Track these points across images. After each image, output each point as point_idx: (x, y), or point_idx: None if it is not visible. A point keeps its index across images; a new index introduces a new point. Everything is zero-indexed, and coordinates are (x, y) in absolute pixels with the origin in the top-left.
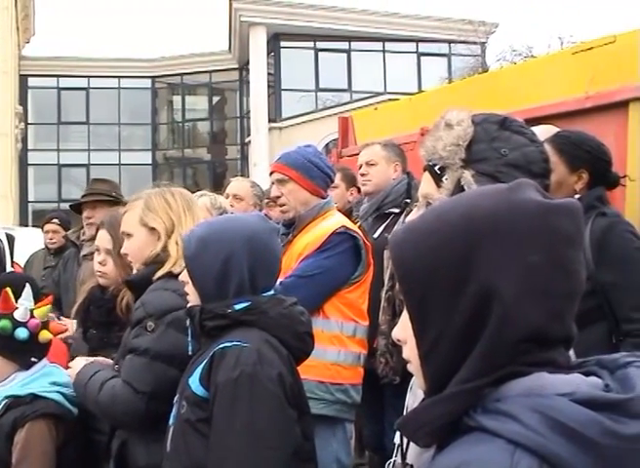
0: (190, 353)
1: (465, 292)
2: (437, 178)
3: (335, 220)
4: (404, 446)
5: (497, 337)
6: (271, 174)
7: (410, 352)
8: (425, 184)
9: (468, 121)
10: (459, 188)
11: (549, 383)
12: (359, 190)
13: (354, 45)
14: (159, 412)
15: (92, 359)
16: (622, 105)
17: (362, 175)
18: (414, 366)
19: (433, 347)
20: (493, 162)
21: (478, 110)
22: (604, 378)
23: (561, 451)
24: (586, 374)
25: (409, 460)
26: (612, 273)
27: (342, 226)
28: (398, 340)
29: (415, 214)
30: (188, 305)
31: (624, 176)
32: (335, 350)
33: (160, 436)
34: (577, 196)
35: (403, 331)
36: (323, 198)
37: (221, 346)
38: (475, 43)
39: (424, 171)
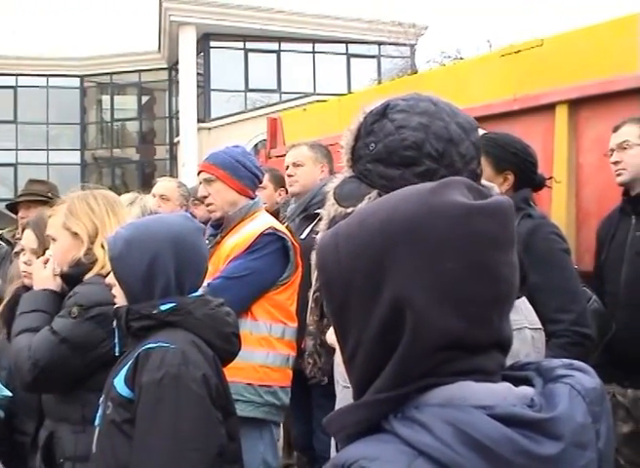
0: (117, 354)
1: (379, 300)
2: None
3: (263, 221)
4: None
5: (411, 347)
6: (199, 173)
7: (339, 356)
8: None
9: (361, 117)
10: None
11: (471, 394)
12: (287, 191)
13: (284, 46)
14: (45, 390)
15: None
16: (549, 108)
17: (289, 175)
18: (343, 369)
19: (353, 354)
20: (363, 160)
21: None
22: (536, 387)
23: (469, 467)
24: (522, 379)
25: None
26: (537, 274)
27: (271, 227)
28: (331, 344)
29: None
30: (115, 307)
31: (550, 178)
32: (263, 352)
33: (87, 427)
34: None
35: (333, 335)
36: (251, 198)
37: (146, 347)
38: (405, 45)
39: None
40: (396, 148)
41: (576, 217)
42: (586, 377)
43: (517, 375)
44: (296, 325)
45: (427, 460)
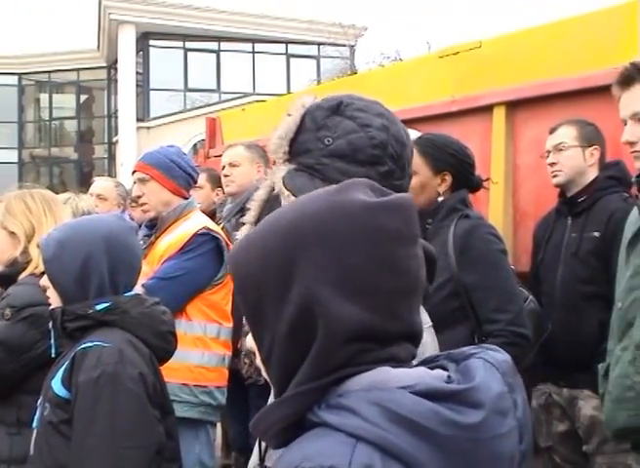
0: (53, 355)
1: (289, 298)
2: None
3: (197, 221)
4: (262, 447)
5: (325, 340)
6: (133, 173)
7: (258, 358)
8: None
9: (302, 109)
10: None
11: (391, 377)
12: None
13: (224, 45)
14: None
15: None
16: (487, 109)
17: (225, 175)
18: (263, 372)
19: (270, 353)
20: (314, 153)
21: None
22: (450, 370)
23: (401, 443)
24: (434, 368)
25: (268, 462)
26: (474, 274)
27: (204, 227)
28: (251, 347)
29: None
30: (50, 308)
31: (488, 179)
32: (198, 352)
33: (23, 429)
34: (440, 198)
35: (252, 339)
36: (185, 198)
37: (83, 347)
38: (344, 45)
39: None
40: (363, 146)
41: (513, 218)
42: (497, 353)
43: (430, 366)
44: (231, 325)
45: (365, 444)
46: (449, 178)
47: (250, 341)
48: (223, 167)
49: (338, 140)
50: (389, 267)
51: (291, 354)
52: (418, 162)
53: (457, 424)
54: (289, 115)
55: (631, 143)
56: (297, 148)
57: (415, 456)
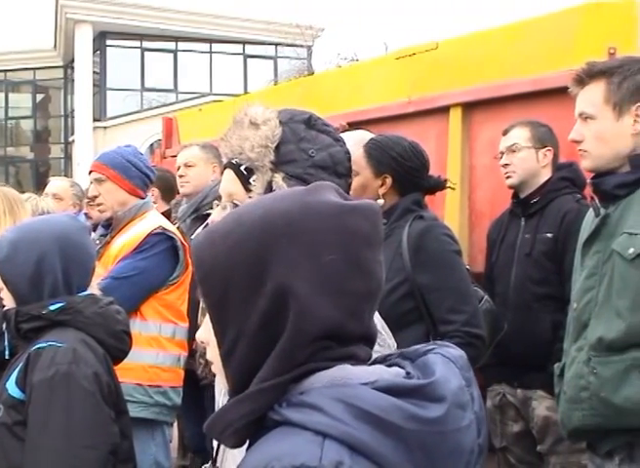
0: (7, 357)
1: (261, 292)
2: (244, 179)
3: (152, 221)
4: (215, 449)
5: (294, 335)
6: (90, 173)
7: (212, 353)
8: (229, 183)
9: (275, 120)
10: (270, 191)
11: (352, 374)
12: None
13: (181, 45)
14: None
15: None
16: (444, 111)
17: (180, 176)
18: (216, 366)
19: (233, 347)
20: (301, 163)
21: None
22: (406, 368)
23: (366, 438)
24: (390, 367)
25: (229, 463)
26: (428, 275)
27: (160, 227)
28: (202, 342)
29: (217, 213)
30: (4, 309)
31: (446, 181)
32: (153, 352)
33: None
34: (380, 201)
35: (205, 332)
36: (142, 198)
37: (37, 347)
38: (302, 46)
39: (225, 168)
40: (342, 159)
41: (469, 219)
42: (452, 349)
43: (385, 364)
44: (186, 325)
45: (332, 441)
46: (389, 181)
47: (202, 335)
48: (178, 167)
49: (320, 153)
50: (359, 269)
51: (257, 348)
52: (362, 163)
53: (420, 418)
54: (254, 124)
55: (577, 142)
56: (281, 158)
57: (380, 451)
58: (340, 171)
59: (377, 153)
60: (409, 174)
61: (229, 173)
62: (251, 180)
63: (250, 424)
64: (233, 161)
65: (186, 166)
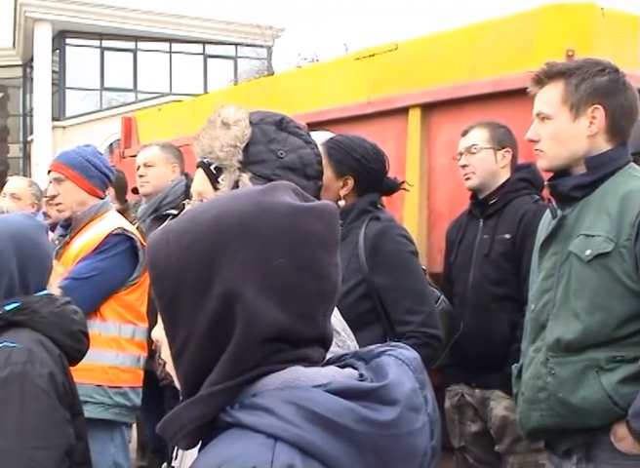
0: None
1: (210, 294)
2: (213, 178)
3: (111, 221)
4: (173, 449)
5: (243, 338)
6: (49, 172)
7: (165, 352)
8: (199, 182)
9: (246, 121)
10: None
11: (304, 376)
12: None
13: (141, 45)
14: None
15: None
16: (403, 112)
17: (140, 176)
18: (169, 366)
19: (183, 348)
20: (270, 164)
21: None
22: (359, 369)
23: (318, 441)
24: (343, 368)
25: (187, 463)
26: (385, 276)
27: (119, 227)
28: (157, 340)
29: None
30: None
31: (403, 182)
32: (112, 353)
33: None
34: (341, 202)
35: (160, 331)
36: (101, 198)
37: None
38: (262, 46)
39: (198, 167)
40: (311, 162)
41: (427, 219)
42: (405, 350)
43: (338, 365)
44: (146, 325)
45: (284, 444)
46: (351, 182)
47: (156, 334)
48: (138, 167)
49: (290, 154)
50: (312, 272)
51: (206, 351)
52: (323, 163)
53: (372, 421)
54: (225, 124)
55: (534, 142)
56: (250, 158)
57: (332, 454)
58: (309, 173)
59: (339, 154)
60: (371, 175)
61: (200, 172)
62: (219, 180)
63: (201, 427)
64: (204, 160)
65: (146, 166)
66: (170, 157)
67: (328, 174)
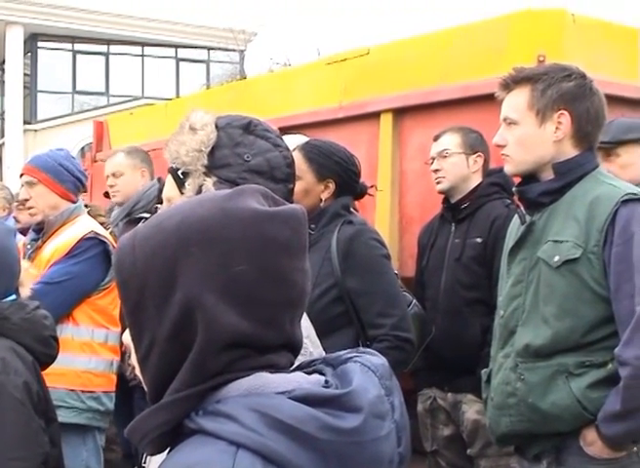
0: None
1: (172, 300)
2: (180, 183)
3: (84, 226)
4: (141, 453)
5: (204, 346)
6: (21, 176)
7: (133, 357)
8: (168, 187)
9: (212, 125)
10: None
11: (269, 382)
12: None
13: (113, 48)
14: None
15: None
16: (374, 116)
17: (110, 186)
18: (137, 370)
19: (148, 353)
20: (235, 168)
21: None
22: (327, 375)
23: (280, 448)
24: (311, 374)
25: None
26: (358, 280)
27: (92, 231)
28: (127, 344)
29: None
30: None
31: (372, 186)
32: (85, 357)
33: None
34: (322, 205)
35: (128, 335)
36: (73, 202)
37: None
38: (234, 50)
39: (168, 172)
40: (279, 165)
41: (399, 224)
42: (373, 357)
43: (307, 371)
44: (119, 329)
45: (246, 451)
46: (332, 186)
47: (126, 338)
48: (107, 177)
49: (257, 157)
50: (275, 278)
51: (169, 357)
52: (302, 167)
53: (335, 429)
54: (192, 129)
55: (501, 146)
56: (215, 162)
57: (295, 462)
58: (277, 176)
59: (320, 158)
60: (350, 178)
61: (169, 177)
62: (185, 185)
63: (167, 433)
64: (172, 165)
65: (115, 176)
66: (137, 163)
67: (309, 178)
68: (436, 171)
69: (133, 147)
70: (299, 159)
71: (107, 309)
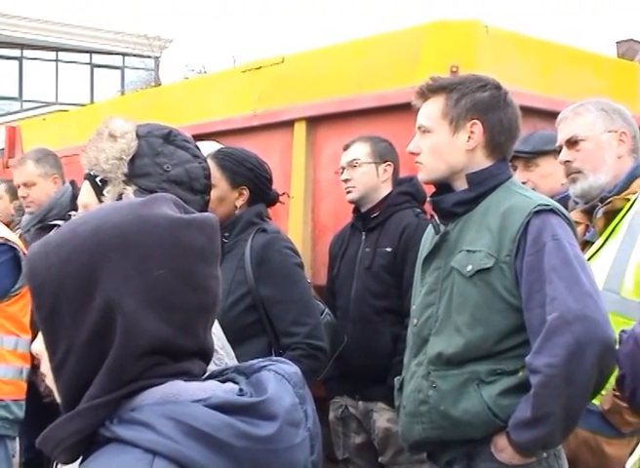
0: None
1: (90, 306)
2: (98, 190)
3: None
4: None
5: (122, 351)
6: None
7: (45, 365)
8: (85, 194)
9: (133, 134)
10: None
11: (184, 390)
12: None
13: (26, 53)
14: None
15: None
16: (288, 124)
17: (22, 197)
18: (49, 380)
19: (63, 361)
20: (155, 178)
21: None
22: (240, 384)
23: (196, 456)
24: (224, 382)
25: None
26: (271, 288)
27: (1, 238)
28: (37, 354)
29: None
30: None
31: (284, 194)
32: None
33: None
34: (237, 212)
35: (40, 344)
36: None
37: None
38: (149, 57)
39: (85, 179)
40: (198, 176)
41: (312, 232)
42: (286, 365)
43: (220, 379)
44: (29, 337)
45: (162, 459)
46: (246, 193)
47: (36, 347)
48: (18, 186)
49: (177, 168)
50: (191, 284)
51: (87, 364)
52: (216, 175)
53: (251, 436)
54: (112, 136)
55: (415, 154)
56: (135, 170)
57: None
58: (195, 187)
59: (232, 165)
60: (263, 184)
61: (86, 184)
62: (104, 192)
63: (81, 441)
64: (90, 172)
65: (27, 186)
66: (47, 170)
67: (223, 185)
68: (346, 180)
69: (40, 152)
70: (212, 167)
71: (17, 316)
